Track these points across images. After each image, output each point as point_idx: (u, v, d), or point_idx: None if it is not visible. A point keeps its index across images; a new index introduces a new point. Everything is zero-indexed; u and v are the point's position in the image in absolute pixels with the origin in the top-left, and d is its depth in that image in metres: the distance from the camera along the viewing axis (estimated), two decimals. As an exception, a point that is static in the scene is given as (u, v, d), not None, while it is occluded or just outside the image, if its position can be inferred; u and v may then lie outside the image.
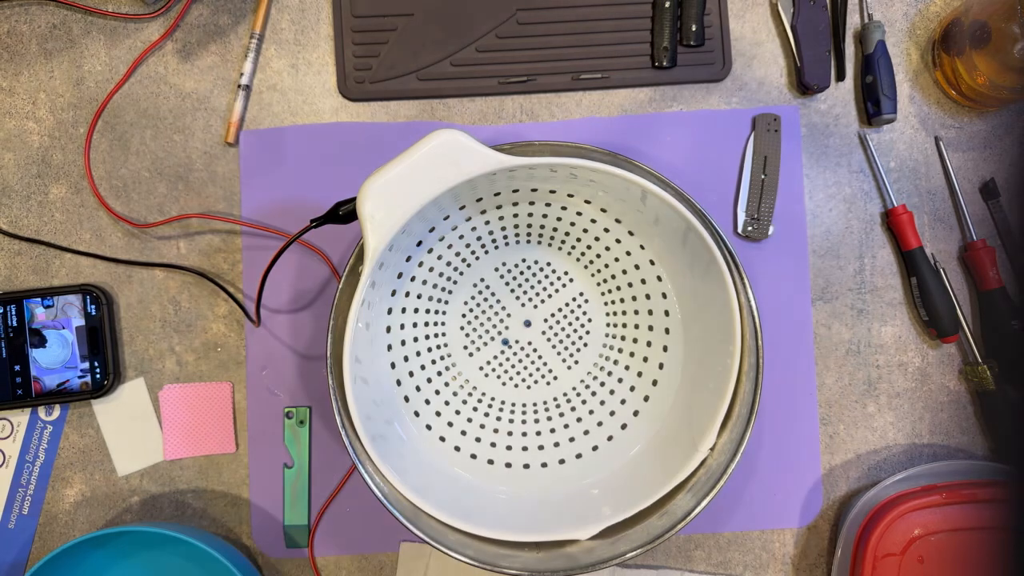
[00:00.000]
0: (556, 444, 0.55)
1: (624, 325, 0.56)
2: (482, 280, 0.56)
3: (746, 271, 0.51)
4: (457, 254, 0.55)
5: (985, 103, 0.58)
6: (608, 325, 0.56)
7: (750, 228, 0.58)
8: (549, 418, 0.56)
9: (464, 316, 0.56)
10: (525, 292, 0.56)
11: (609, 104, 0.59)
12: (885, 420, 0.59)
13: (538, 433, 0.55)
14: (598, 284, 0.56)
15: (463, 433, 0.54)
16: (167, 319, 0.58)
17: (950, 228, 0.59)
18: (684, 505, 0.49)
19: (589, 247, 0.55)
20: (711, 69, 0.59)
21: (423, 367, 0.55)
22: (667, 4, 0.58)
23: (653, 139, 0.59)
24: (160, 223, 0.58)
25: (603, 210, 0.53)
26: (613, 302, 0.56)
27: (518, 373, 0.56)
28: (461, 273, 0.55)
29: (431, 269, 0.54)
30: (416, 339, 0.54)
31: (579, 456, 0.55)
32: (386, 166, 0.43)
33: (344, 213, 0.46)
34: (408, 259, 0.52)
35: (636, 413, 0.55)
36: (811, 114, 0.60)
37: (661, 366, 0.54)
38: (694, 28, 0.58)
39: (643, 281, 0.54)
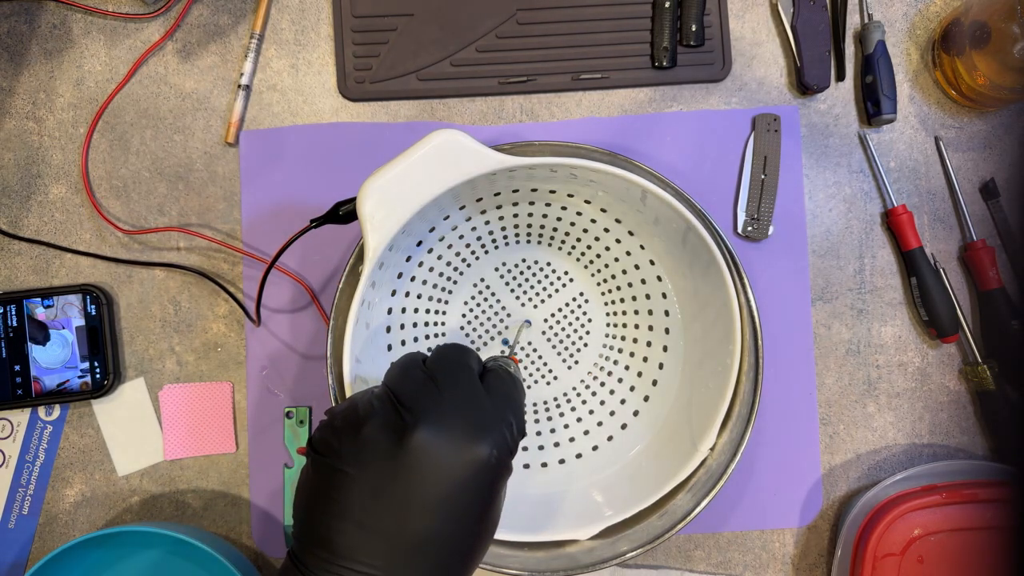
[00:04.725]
0: (556, 444, 0.55)
1: (624, 325, 0.56)
2: (482, 280, 0.56)
3: (746, 271, 0.51)
4: (457, 254, 0.55)
5: (985, 103, 0.58)
6: (608, 325, 0.56)
7: (750, 228, 0.58)
8: (549, 418, 0.56)
9: (464, 316, 0.56)
10: (525, 292, 0.56)
11: (609, 104, 0.59)
12: (885, 420, 0.59)
13: (538, 433, 0.55)
14: (598, 284, 0.56)
15: (463, 433, 0.54)
16: (167, 319, 0.58)
17: (950, 228, 0.59)
18: (684, 505, 0.49)
19: (589, 247, 0.55)
20: (711, 69, 0.59)
21: (423, 367, 0.55)
22: (667, 4, 0.58)
23: (653, 139, 0.59)
24: (145, 231, 0.58)
25: (603, 210, 0.53)
26: (613, 302, 0.56)
27: (518, 373, 0.56)
28: (461, 273, 0.55)
29: (431, 269, 0.54)
30: (416, 339, 0.54)
31: (579, 456, 0.55)
32: (386, 166, 0.43)
33: (344, 213, 0.46)
34: (408, 259, 0.52)
35: (636, 413, 0.55)
36: (811, 114, 0.60)
37: (661, 366, 0.54)
38: (694, 28, 0.58)
39: (643, 281, 0.54)
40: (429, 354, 0.40)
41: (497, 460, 0.36)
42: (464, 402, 0.37)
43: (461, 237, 0.54)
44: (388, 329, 0.53)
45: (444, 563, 0.35)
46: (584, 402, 0.56)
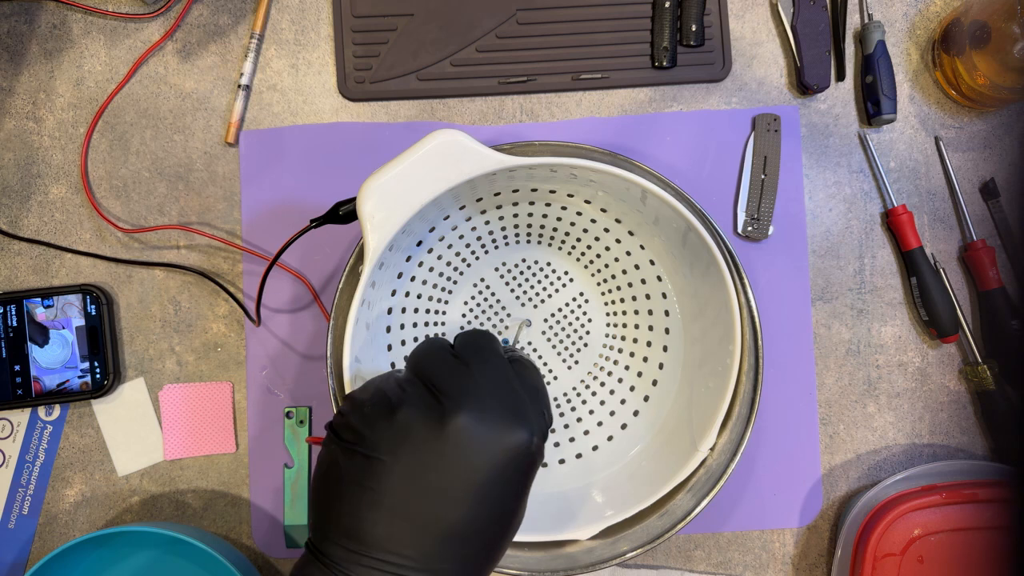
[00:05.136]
0: (556, 444, 0.55)
1: (624, 325, 0.56)
2: (482, 280, 0.56)
3: (746, 271, 0.51)
4: (457, 254, 0.55)
5: (985, 103, 0.58)
6: (608, 325, 0.56)
7: (750, 228, 0.58)
8: (549, 418, 0.56)
9: (464, 316, 0.56)
10: (525, 292, 0.56)
11: (609, 104, 0.59)
12: (885, 420, 0.59)
13: (538, 433, 0.55)
14: (598, 284, 0.56)
15: (463, 433, 0.54)
16: (167, 319, 0.58)
17: (950, 228, 0.59)
18: (684, 505, 0.49)
19: (589, 247, 0.55)
20: (711, 69, 0.59)
21: (423, 367, 0.55)
22: (667, 4, 0.58)
23: (653, 139, 0.59)
24: (146, 230, 0.58)
25: (603, 210, 0.53)
26: (613, 302, 0.56)
27: (518, 373, 0.56)
28: (461, 273, 0.55)
29: (431, 269, 0.54)
30: (416, 339, 0.54)
31: (579, 456, 0.55)
32: (386, 166, 0.43)
33: (344, 213, 0.46)
34: (408, 259, 0.52)
35: (636, 413, 0.55)
36: (811, 114, 0.60)
37: (661, 366, 0.54)
38: (694, 28, 0.58)
39: (643, 281, 0.54)
40: (451, 340, 0.39)
41: (536, 447, 0.35)
42: (499, 388, 0.36)
43: (461, 237, 0.54)
44: (388, 329, 0.53)
45: (476, 553, 0.34)
46: (584, 402, 0.56)
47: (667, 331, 0.54)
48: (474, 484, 0.33)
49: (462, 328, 0.56)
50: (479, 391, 0.35)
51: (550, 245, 0.56)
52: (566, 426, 0.55)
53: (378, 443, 0.34)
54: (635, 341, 0.56)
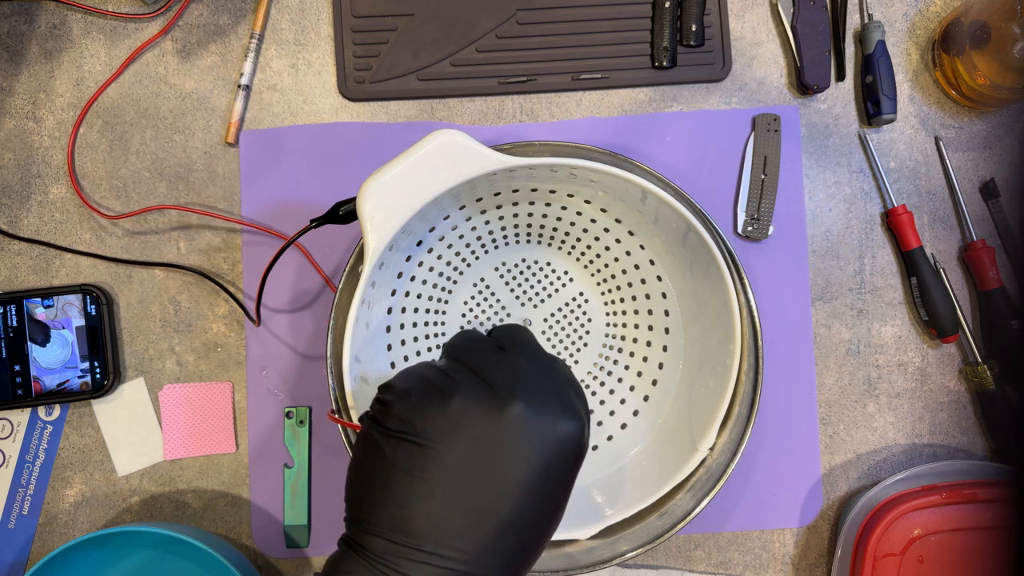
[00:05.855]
0: (556, 444, 0.55)
1: (624, 325, 0.56)
2: (482, 280, 0.56)
3: (746, 271, 0.51)
4: (457, 254, 0.55)
5: (985, 103, 0.58)
6: (608, 325, 0.56)
7: (750, 228, 0.58)
8: (549, 418, 0.56)
9: (464, 316, 0.56)
10: (525, 292, 0.56)
11: (609, 104, 0.59)
12: (885, 420, 0.59)
13: (538, 433, 0.55)
14: (598, 284, 0.56)
15: (463, 433, 0.54)
16: (167, 319, 0.58)
17: (950, 228, 0.59)
18: (684, 505, 0.50)
19: (589, 247, 0.55)
20: (711, 69, 0.59)
21: (423, 367, 0.55)
22: (667, 4, 0.58)
23: (653, 139, 0.59)
24: (130, 214, 0.58)
25: (603, 210, 0.53)
26: (613, 302, 0.56)
27: (518, 373, 0.56)
28: (461, 273, 0.55)
29: (431, 269, 0.54)
30: (416, 339, 0.54)
31: (579, 456, 0.55)
32: (386, 166, 0.43)
33: (344, 213, 0.46)
34: (408, 259, 0.52)
35: (636, 413, 0.55)
36: (811, 114, 0.60)
37: (661, 366, 0.54)
38: (694, 28, 0.58)
39: (643, 281, 0.54)
40: (486, 332, 0.39)
41: (586, 437, 0.35)
42: (548, 378, 0.36)
43: (461, 237, 0.54)
44: (388, 329, 0.53)
45: (527, 545, 0.34)
46: (584, 402, 0.56)
47: (667, 331, 0.54)
48: (528, 475, 0.33)
49: (462, 328, 0.56)
50: (530, 381, 0.35)
51: (550, 245, 0.56)
52: (566, 426, 0.55)
53: (430, 431, 0.33)
54: (635, 341, 0.56)
